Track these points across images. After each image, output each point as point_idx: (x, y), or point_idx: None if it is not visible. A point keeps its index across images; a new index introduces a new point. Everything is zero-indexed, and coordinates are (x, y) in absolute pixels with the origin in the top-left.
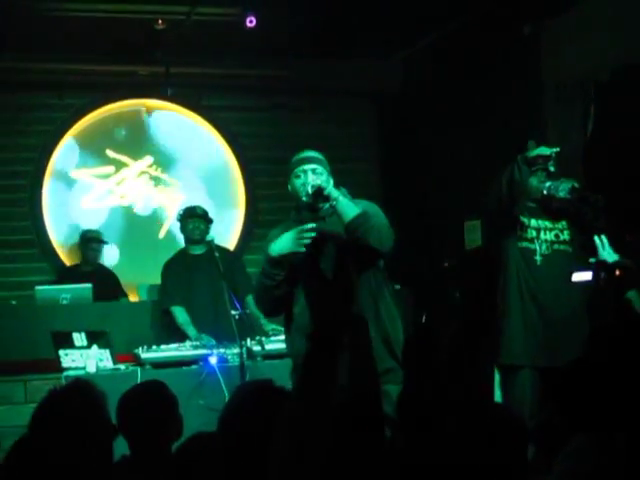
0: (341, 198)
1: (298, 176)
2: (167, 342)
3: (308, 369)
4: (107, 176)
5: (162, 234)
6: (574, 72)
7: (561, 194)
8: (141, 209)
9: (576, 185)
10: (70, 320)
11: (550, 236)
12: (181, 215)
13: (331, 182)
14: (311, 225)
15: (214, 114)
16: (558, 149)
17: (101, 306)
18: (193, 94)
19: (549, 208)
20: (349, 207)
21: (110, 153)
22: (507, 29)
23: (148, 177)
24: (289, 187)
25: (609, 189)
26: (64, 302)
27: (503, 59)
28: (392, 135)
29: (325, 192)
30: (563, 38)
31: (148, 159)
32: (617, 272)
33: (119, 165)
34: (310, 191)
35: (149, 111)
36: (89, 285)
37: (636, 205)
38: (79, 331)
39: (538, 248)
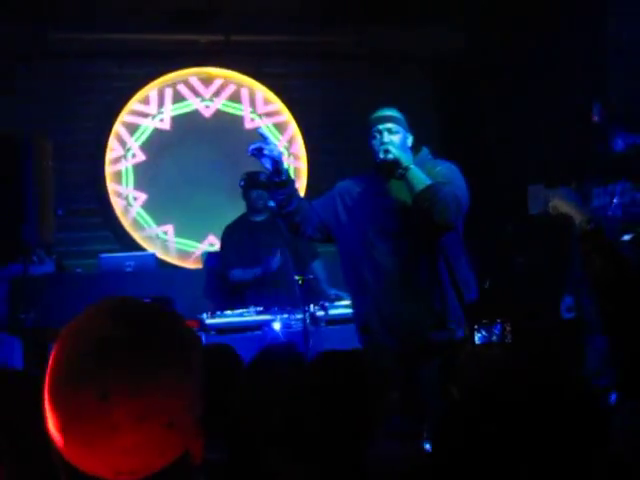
0: (412, 168)
1: (374, 136)
2: (230, 309)
3: None
4: None
5: None
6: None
7: (617, 148)
8: None
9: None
10: (134, 287)
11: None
12: (244, 183)
13: (409, 139)
14: None
15: (275, 81)
16: None
17: (165, 273)
18: (254, 61)
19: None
20: (417, 179)
21: None
22: None
23: None
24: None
25: None
26: (128, 269)
27: (567, 20)
28: (454, 101)
29: (393, 160)
30: None
31: None
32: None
33: None
34: (382, 156)
35: (210, 79)
36: (152, 252)
37: None
38: (143, 298)
39: None
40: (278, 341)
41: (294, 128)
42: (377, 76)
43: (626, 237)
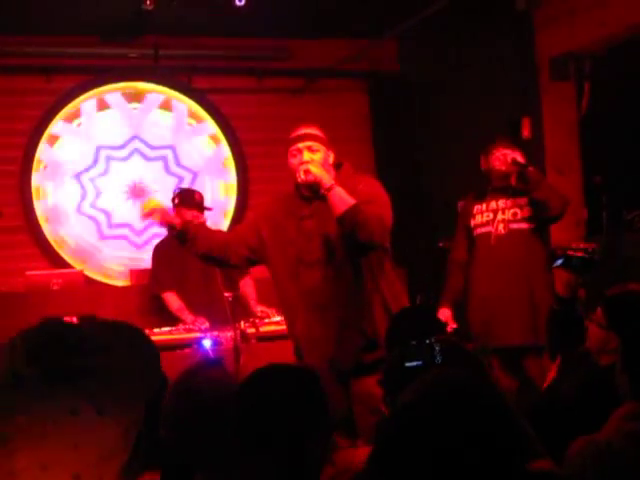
0: (335, 189)
1: (294, 155)
2: (159, 326)
3: None
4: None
5: None
6: (569, 48)
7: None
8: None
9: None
10: (61, 305)
11: (508, 215)
12: (177, 200)
13: (331, 157)
14: None
15: (205, 96)
16: None
17: (92, 291)
18: (183, 76)
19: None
20: (340, 200)
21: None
22: (501, 4)
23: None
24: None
25: (607, 169)
26: (55, 287)
27: (497, 36)
28: (387, 115)
29: (314, 181)
30: (558, 13)
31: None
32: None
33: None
34: (303, 177)
35: (139, 94)
36: (80, 269)
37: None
38: (70, 316)
39: (493, 230)
40: (205, 359)
41: (225, 144)
42: (310, 90)
43: (558, 262)
